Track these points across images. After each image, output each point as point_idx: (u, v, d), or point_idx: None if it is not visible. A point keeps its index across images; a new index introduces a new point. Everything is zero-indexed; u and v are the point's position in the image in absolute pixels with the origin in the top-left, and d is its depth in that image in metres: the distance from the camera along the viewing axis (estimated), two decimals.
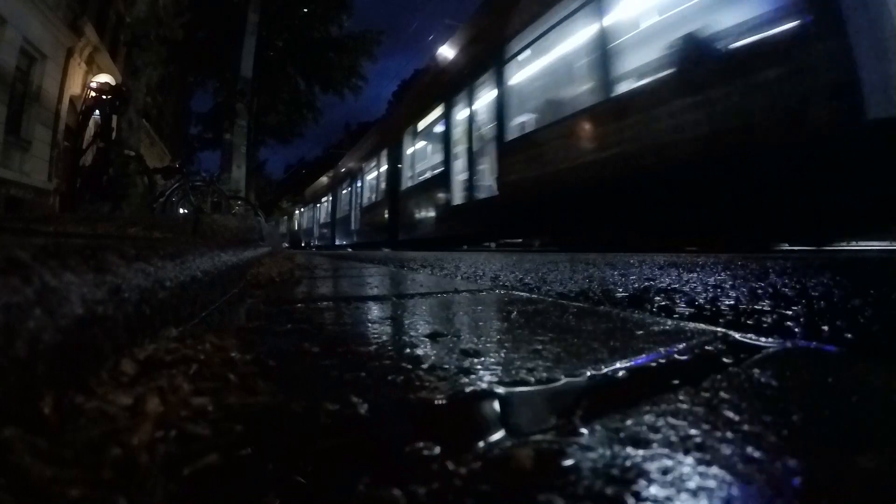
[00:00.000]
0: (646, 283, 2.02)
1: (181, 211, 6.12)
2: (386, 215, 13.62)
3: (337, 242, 20.52)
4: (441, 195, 10.09)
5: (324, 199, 24.53)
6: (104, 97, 5.60)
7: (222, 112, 13.30)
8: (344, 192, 19.80)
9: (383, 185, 14.34)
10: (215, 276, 1.10)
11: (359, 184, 17.37)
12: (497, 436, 0.41)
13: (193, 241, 1.74)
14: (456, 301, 1.33)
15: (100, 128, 5.54)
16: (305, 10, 16.10)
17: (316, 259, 4.80)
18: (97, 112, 5.72)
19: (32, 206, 11.20)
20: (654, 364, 0.65)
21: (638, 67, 5.33)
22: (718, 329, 0.85)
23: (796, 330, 1.02)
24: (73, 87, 13.00)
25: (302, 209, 32.27)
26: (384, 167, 14.36)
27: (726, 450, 0.38)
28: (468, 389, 0.54)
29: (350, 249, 16.73)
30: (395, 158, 13.36)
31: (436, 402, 0.51)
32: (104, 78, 10.61)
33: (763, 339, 0.77)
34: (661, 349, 0.72)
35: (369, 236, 15.52)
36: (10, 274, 0.37)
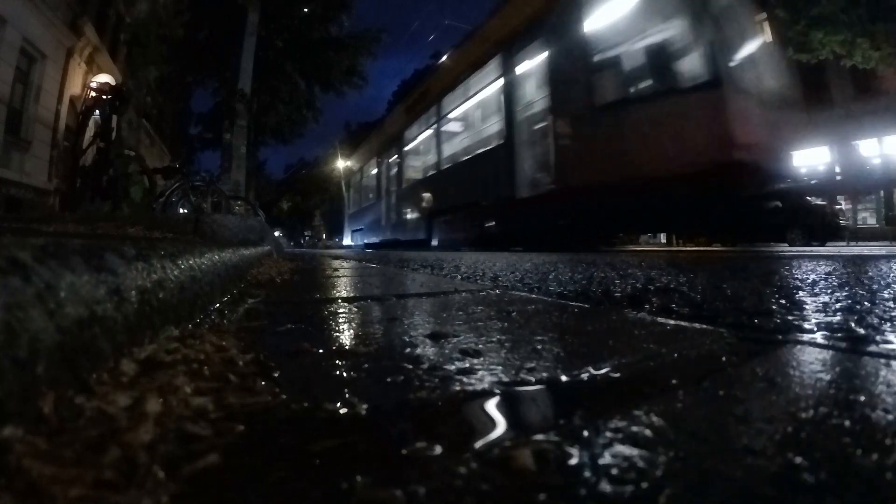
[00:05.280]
0: None
1: (181, 211, 6.11)
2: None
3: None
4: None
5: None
6: (104, 97, 5.60)
7: (222, 112, 13.29)
8: None
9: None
10: (215, 276, 1.10)
11: None
12: (496, 435, 0.41)
13: (193, 241, 1.74)
14: None
15: (100, 128, 5.53)
16: (305, 10, 16.08)
17: None
18: (97, 112, 5.71)
19: (32, 206, 11.19)
20: None
21: None
22: None
23: None
24: (73, 87, 12.99)
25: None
26: None
27: (726, 448, 0.38)
28: (469, 389, 0.54)
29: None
30: None
31: (437, 402, 0.51)
32: (104, 78, 10.61)
33: None
34: None
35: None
36: (10, 274, 0.37)
